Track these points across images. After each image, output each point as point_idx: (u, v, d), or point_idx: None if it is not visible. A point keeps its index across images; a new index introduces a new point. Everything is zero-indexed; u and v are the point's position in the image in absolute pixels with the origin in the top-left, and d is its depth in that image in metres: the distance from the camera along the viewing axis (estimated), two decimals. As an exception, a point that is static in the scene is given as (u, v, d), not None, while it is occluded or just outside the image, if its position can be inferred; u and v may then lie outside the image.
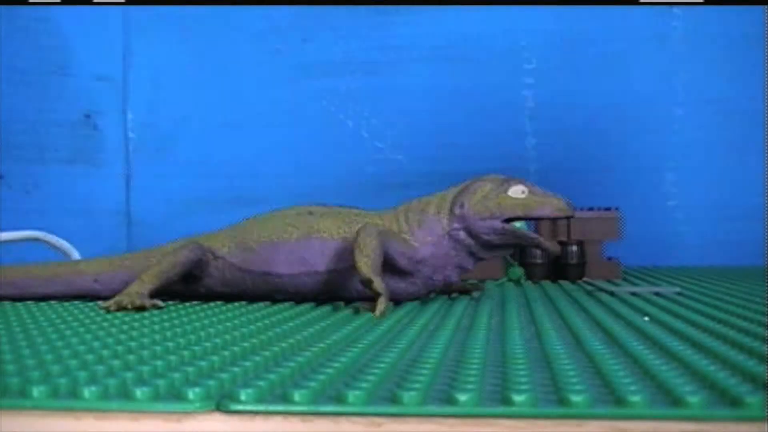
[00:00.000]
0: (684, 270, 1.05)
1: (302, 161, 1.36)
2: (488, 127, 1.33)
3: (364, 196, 1.32)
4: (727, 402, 0.32)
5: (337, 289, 0.71)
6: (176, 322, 0.57)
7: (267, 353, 0.42)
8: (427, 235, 0.70)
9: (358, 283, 0.67)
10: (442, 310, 0.66)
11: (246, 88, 1.38)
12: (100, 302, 0.68)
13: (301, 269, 0.71)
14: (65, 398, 0.33)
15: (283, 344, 0.46)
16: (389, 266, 0.68)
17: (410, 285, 0.70)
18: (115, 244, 1.37)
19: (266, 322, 0.57)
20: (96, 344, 0.46)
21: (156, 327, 0.54)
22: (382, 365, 0.38)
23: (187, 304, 0.71)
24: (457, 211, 0.69)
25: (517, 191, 0.68)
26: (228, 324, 0.56)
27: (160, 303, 0.67)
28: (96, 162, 1.38)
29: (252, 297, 0.73)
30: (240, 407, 0.32)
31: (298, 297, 0.72)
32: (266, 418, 0.31)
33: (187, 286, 0.74)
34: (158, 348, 0.44)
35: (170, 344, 0.46)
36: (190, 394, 0.33)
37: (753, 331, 0.49)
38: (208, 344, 0.46)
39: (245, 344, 0.46)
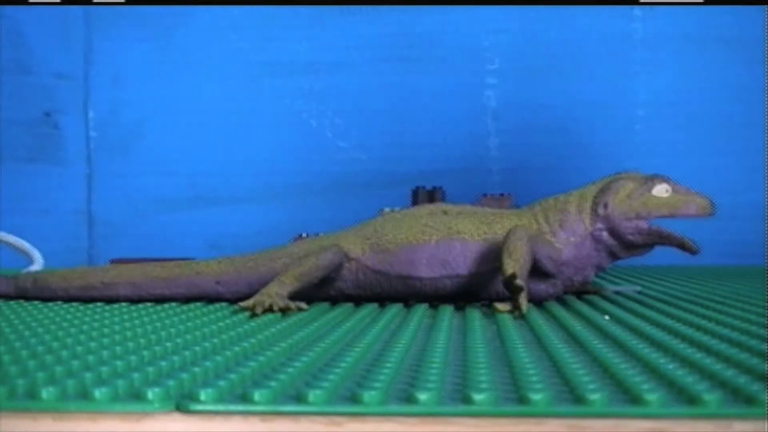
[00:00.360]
0: (645, 269, 1.06)
1: (265, 160, 1.36)
2: (451, 128, 1.33)
3: (327, 196, 1.32)
4: (685, 400, 0.32)
5: (477, 291, 0.69)
6: (137, 322, 0.57)
7: (228, 353, 0.42)
8: (569, 236, 0.68)
9: (499, 285, 0.66)
10: (404, 310, 0.66)
11: (208, 86, 1.38)
12: (240, 303, 0.64)
13: (442, 272, 0.68)
14: (22, 399, 0.33)
15: (245, 344, 0.46)
16: (534, 269, 0.67)
17: (551, 287, 0.69)
18: (76, 244, 1.36)
19: (228, 321, 0.57)
20: (55, 345, 0.45)
21: (116, 327, 0.54)
22: (343, 364, 0.38)
23: (148, 304, 0.70)
24: (601, 211, 0.68)
25: (661, 190, 0.68)
26: (189, 324, 0.55)
27: (304, 305, 0.64)
28: (57, 161, 1.37)
29: (386, 300, 0.70)
30: (200, 407, 0.32)
31: (436, 299, 0.70)
32: (226, 418, 0.31)
33: (318, 288, 0.70)
34: (118, 348, 0.44)
35: (131, 344, 0.45)
36: (150, 395, 0.32)
37: (711, 329, 0.50)
38: (169, 344, 0.45)
39: (206, 344, 0.45)
